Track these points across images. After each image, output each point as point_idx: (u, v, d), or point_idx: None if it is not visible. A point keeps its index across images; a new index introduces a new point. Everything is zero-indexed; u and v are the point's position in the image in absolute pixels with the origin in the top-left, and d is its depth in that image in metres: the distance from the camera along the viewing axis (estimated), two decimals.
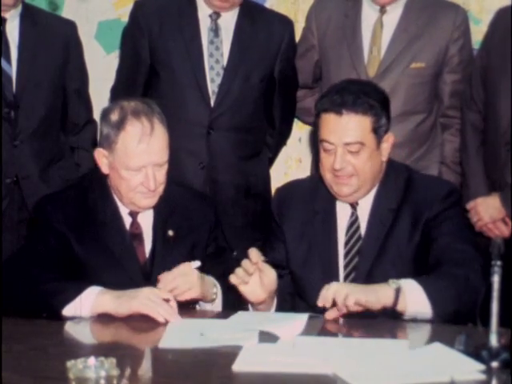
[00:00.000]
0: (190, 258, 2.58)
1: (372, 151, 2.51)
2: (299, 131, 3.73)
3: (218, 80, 3.19)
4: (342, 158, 2.49)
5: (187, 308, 2.43)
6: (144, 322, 2.28)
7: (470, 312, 2.35)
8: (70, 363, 1.82)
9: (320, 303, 2.29)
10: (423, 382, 1.80)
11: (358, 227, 2.58)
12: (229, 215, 3.22)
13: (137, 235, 2.60)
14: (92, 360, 1.82)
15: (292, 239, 2.63)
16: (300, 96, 3.44)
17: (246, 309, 2.48)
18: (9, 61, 3.16)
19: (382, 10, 3.19)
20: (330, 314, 2.31)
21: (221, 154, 3.21)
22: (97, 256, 2.53)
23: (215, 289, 2.51)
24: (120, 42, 3.55)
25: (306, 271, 2.53)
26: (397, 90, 3.15)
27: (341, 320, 2.32)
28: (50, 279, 2.39)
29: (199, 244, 2.65)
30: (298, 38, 3.40)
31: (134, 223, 2.60)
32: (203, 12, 3.21)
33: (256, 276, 2.40)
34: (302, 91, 3.43)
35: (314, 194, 2.65)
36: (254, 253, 2.38)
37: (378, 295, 2.28)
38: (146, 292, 2.33)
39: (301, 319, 2.27)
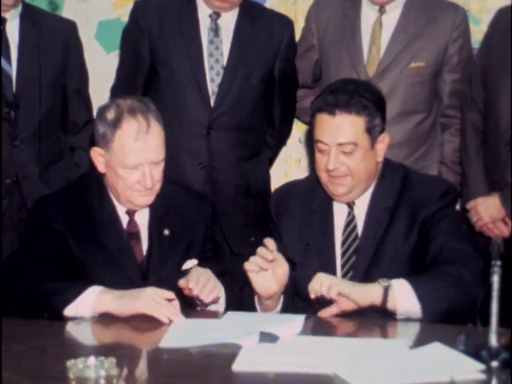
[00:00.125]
0: (186, 256, 2.60)
1: (366, 151, 2.51)
2: (299, 131, 3.73)
3: (218, 80, 3.18)
4: (335, 158, 2.49)
5: (188, 308, 2.43)
6: (145, 322, 2.28)
7: (466, 311, 2.36)
8: (69, 363, 1.82)
9: (312, 295, 2.32)
10: (423, 382, 1.80)
11: (355, 226, 2.58)
12: (229, 215, 3.23)
13: (134, 234, 2.60)
14: (92, 360, 1.82)
15: (290, 239, 2.63)
16: (300, 96, 3.44)
17: (249, 309, 2.48)
18: (9, 61, 3.16)
19: (382, 10, 3.19)
20: (322, 313, 2.33)
21: (220, 153, 3.21)
22: (95, 255, 2.53)
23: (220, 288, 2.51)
24: (120, 41, 3.56)
25: (304, 271, 2.53)
26: (396, 90, 3.16)
27: (341, 320, 2.32)
28: (50, 279, 2.39)
29: (195, 242, 2.65)
30: (297, 37, 3.40)
31: (131, 222, 2.60)
32: (203, 12, 3.21)
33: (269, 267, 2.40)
34: (302, 91, 3.43)
35: (312, 194, 2.66)
36: (270, 241, 2.39)
37: (364, 290, 2.31)
38: (148, 292, 2.33)
39: (298, 320, 2.27)
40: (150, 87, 3.27)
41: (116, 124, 2.48)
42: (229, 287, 2.52)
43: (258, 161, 3.37)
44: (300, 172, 3.70)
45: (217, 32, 3.20)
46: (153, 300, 2.30)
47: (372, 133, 2.51)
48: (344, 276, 2.55)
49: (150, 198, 2.56)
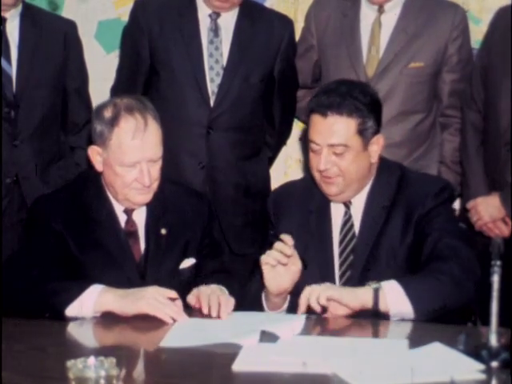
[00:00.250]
0: (183, 255, 2.60)
1: (358, 153, 2.51)
2: (299, 131, 3.73)
3: (218, 80, 3.19)
4: (326, 159, 2.50)
5: (190, 308, 2.43)
6: (146, 322, 2.28)
7: (460, 307, 2.36)
8: (70, 363, 1.82)
9: (299, 312, 2.32)
10: (423, 382, 1.80)
11: (352, 225, 2.59)
12: (228, 215, 3.23)
13: (132, 233, 2.60)
14: (92, 360, 1.82)
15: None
16: (300, 96, 3.43)
17: (254, 307, 2.48)
18: (9, 61, 3.16)
19: (381, 10, 3.19)
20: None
21: (220, 153, 3.22)
22: (93, 254, 2.53)
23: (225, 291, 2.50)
24: (120, 41, 3.56)
25: (303, 271, 2.53)
26: (396, 90, 3.16)
27: (341, 320, 2.32)
28: (50, 279, 2.39)
29: (193, 241, 2.65)
30: (297, 37, 3.40)
31: (129, 221, 2.60)
32: (203, 12, 3.21)
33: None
34: (302, 91, 3.43)
35: (309, 194, 2.66)
36: (287, 237, 2.39)
37: (355, 293, 2.31)
38: (151, 292, 2.32)
39: (298, 320, 2.27)
40: (150, 87, 3.27)
41: (113, 122, 2.48)
42: (228, 285, 2.51)
43: (258, 160, 3.37)
44: (300, 172, 3.70)
45: (217, 32, 3.20)
46: (156, 300, 2.30)
47: (364, 135, 2.51)
48: (342, 275, 2.56)
49: (148, 196, 2.56)
